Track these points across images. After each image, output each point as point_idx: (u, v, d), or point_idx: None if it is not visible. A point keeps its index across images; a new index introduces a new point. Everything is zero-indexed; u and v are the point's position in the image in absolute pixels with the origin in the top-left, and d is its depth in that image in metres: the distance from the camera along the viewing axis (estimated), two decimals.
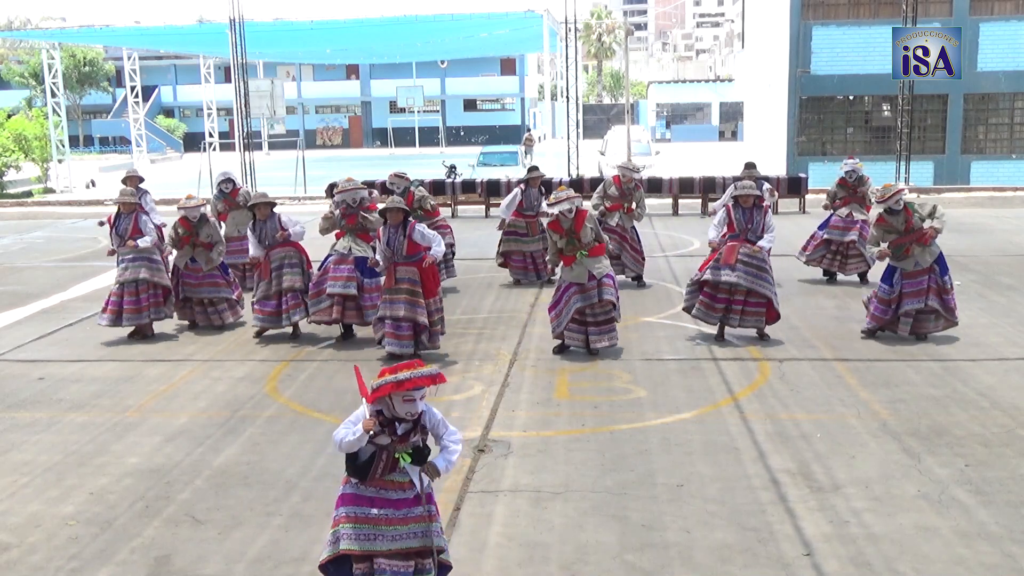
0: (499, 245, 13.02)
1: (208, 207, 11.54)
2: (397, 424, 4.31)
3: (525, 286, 12.83)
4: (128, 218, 10.28)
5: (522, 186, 12.93)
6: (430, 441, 4.45)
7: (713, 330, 9.84)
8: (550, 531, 5.49)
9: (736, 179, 12.00)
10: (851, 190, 12.43)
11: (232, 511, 5.86)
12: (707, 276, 9.50)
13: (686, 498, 5.89)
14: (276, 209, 10.29)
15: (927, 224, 9.31)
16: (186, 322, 10.72)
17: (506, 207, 12.95)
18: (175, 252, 10.73)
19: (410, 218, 9.03)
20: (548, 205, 9.45)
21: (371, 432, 4.24)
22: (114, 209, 10.56)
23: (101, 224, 11.05)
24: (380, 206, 9.31)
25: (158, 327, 10.61)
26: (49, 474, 6.54)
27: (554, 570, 5.06)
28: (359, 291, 9.70)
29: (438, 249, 8.85)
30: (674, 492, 5.99)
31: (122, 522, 5.74)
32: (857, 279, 12.51)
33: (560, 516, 5.69)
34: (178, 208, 10.55)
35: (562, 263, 9.29)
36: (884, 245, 9.39)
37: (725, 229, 9.61)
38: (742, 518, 5.60)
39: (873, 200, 9.70)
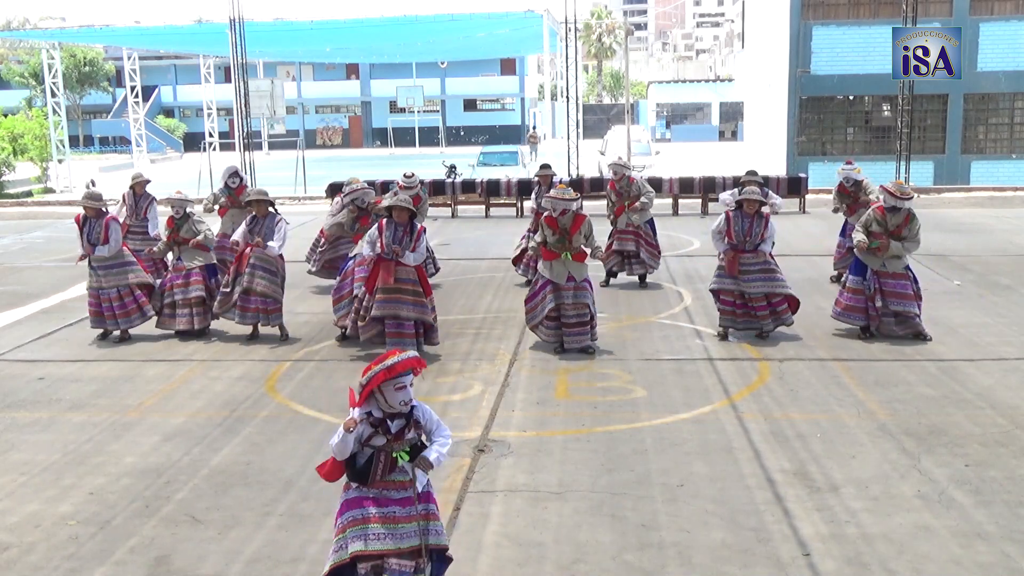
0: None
1: (201, 206, 11.39)
2: (390, 422, 4.31)
3: (524, 286, 12.81)
4: (99, 223, 10.10)
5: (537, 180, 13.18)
6: (425, 440, 4.45)
7: (714, 331, 9.88)
8: (548, 531, 5.50)
9: (741, 185, 11.97)
10: (852, 197, 12.30)
11: (230, 510, 5.86)
12: (712, 286, 9.78)
13: (684, 498, 5.90)
14: (279, 209, 10.19)
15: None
16: (171, 331, 10.32)
17: (533, 199, 13.24)
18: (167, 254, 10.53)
19: (417, 222, 9.12)
20: (546, 197, 9.61)
21: (351, 430, 4.22)
22: (81, 210, 10.21)
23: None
24: (385, 201, 9.35)
25: (154, 328, 10.60)
26: (48, 474, 6.54)
27: (551, 570, 5.06)
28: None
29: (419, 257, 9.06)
30: (672, 492, 6.00)
31: (120, 521, 5.75)
32: None
33: (558, 516, 5.69)
34: (165, 202, 10.41)
35: (543, 258, 9.34)
36: (863, 238, 9.47)
37: (726, 241, 9.63)
38: (740, 518, 5.60)
39: (880, 198, 9.72)
